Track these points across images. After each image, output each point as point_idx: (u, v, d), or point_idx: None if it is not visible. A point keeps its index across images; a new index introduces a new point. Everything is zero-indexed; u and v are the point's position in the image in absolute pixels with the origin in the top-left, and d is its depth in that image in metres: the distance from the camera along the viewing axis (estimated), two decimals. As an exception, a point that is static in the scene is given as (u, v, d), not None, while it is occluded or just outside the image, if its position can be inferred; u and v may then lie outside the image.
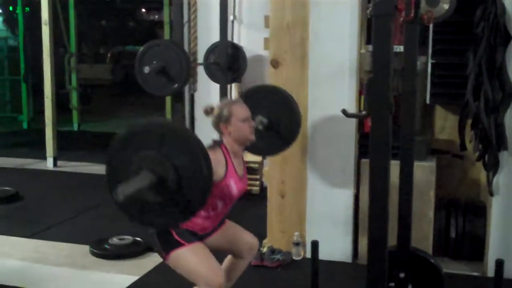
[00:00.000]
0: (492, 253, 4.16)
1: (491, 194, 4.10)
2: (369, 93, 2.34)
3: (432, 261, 3.56)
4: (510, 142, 3.98)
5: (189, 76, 4.76)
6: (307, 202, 4.45)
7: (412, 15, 2.25)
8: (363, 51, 4.25)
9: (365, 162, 4.32)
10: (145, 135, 2.41)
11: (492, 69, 3.92)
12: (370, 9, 2.32)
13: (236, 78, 6.15)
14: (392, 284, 3.49)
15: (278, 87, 3.75)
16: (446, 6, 3.80)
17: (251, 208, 5.65)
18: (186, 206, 2.38)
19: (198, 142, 2.40)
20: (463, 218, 4.38)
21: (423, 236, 4.22)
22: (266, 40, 4.43)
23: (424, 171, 4.20)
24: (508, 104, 3.94)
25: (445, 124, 4.64)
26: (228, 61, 5.78)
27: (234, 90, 6.41)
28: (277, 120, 3.51)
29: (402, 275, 3.48)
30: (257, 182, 6.31)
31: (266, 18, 4.40)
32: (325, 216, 4.40)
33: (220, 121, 3.00)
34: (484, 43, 3.91)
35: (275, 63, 4.33)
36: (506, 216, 4.10)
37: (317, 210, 4.42)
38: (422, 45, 4.45)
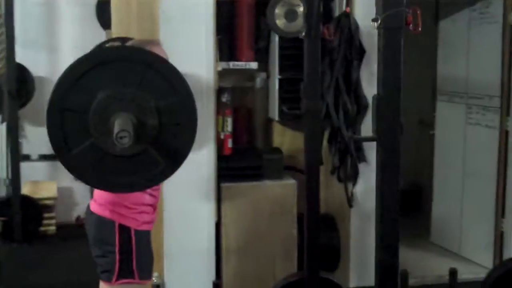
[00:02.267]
0: (353, 264, 4.26)
1: (351, 206, 4.17)
2: (377, 113, 2.13)
3: (335, 281, 3.49)
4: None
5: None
6: (164, 237, 4.01)
7: (419, 28, 2.11)
8: (220, 68, 3.99)
9: (226, 186, 4.06)
10: (121, 66, 1.82)
11: (349, 83, 4.00)
12: (377, 22, 2.12)
13: (25, 104, 5.31)
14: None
15: None
16: (302, 21, 3.77)
17: (61, 252, 4.97)
18: (169, 158, 1.88)
19: (185, 80, 1.91)
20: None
21: (287, 255, 4.13)
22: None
23: (286, 189, 4.12)
24: (363, 116, 4.06)
25: (283, 139, 4.59)
26: (17, 85, 4.98)
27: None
28: None
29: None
30: (53, 221, 5.52)
31: (108, 34, 3.86)
32: (185, 250, 4.03)
33: None
34: (341, 57, 3.97)
35: (123, 84, 3.81)
36: (363, 226, 4.22)
37: (176, 244, 4.02)
38: (261, 62, 4.39)
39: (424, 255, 4.81)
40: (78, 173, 1.88)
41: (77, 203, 5.86)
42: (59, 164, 6.02)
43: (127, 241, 2.54)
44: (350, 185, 4.15)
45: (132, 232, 2.55)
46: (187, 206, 4.00)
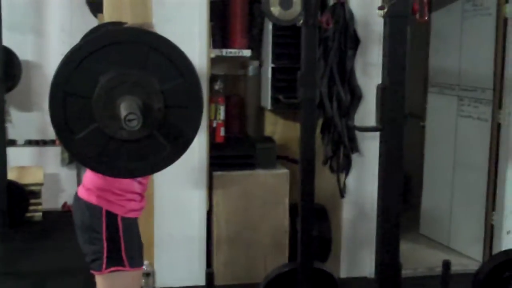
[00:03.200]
0: (344, 254, 4.24)
1: (343, 196, 4.16)
2: (381, 103, 2.10)
3: (328, 271, 3.48)
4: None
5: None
6: (155, 226, 3.96)
7: (425, 17, 2.07)
8: (213, 55, 3.93)
9: (218, 175, 4.01)
10: (124, 48, 1.77)
11: (343, 72, 3.96)
12: (383, 10, 2.08)
13: (11, 88, 5.21)
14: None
15: None
16: (299, 9, 3.72)
17: (47, 238, 4.92)
18: (174, 142, 1.83)
19: (190, 61, 1.84)
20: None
21: (279, 244, 4.10)
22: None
23: (279, 179, 4.08)
24: (357, 107, 4.03)
25: (275, 128, 4.54)
26: (4, 69, 4.87)
27: None
28: None
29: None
30: (39, 207, 5.44)
31: (100, 18, 3.79)
32: (176, 238, 3.99)
33: None
34: (335, 47, 3.93)
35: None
36: (355, 217, 4.21)
37: (167, 233, 3.98)
38: (254, 49, 4.33)
39: (413, 247, 4.80)
40: (82, 159, 1.82)
41: (63, 190, 5.79)
42: (45, 150, 5.95)
43: (114, 228, 2.48)
44: (342, 176, 4.13)
45: (119, 219, 2.49)
46: (178, 194, 3.96)
